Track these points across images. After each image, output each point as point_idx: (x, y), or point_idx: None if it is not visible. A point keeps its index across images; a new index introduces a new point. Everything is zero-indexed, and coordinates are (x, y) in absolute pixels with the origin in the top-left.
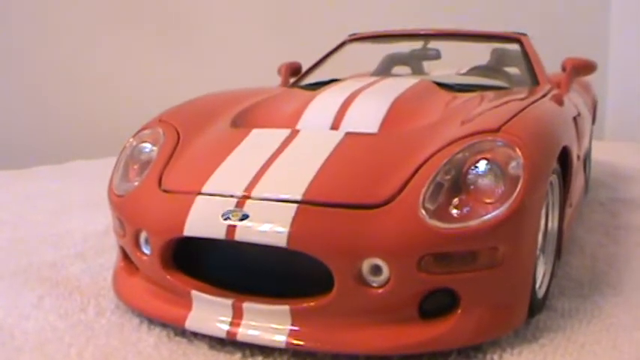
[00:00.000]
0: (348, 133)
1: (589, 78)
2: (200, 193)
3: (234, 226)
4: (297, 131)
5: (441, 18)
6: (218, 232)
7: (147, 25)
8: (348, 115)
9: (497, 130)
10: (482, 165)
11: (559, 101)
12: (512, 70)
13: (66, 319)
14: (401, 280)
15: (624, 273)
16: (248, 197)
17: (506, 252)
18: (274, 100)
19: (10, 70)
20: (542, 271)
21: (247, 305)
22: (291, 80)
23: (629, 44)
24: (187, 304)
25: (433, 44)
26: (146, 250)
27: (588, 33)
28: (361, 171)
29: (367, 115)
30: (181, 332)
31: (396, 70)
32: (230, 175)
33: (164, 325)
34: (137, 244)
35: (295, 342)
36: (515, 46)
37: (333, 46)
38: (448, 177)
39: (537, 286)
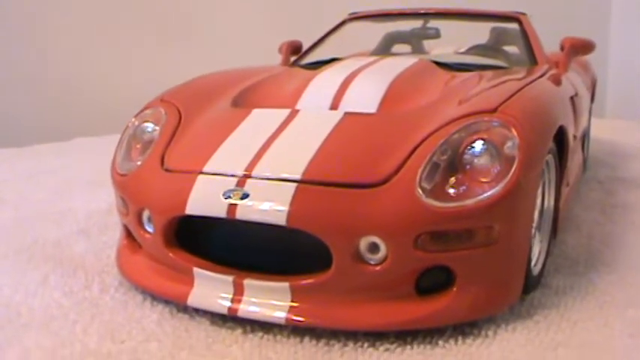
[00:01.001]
0: (346, 113)
1: (589, 57)
2: (202, 173)
3: (235, 205)
4: (297, 111)
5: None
6: (219, 210)
7: (148, 5)
8: (347, 95)
9: (494, 110)
10: (478, 145)
11: (556, 81)
12: (512, 49)
13: (71, 296)
14: (398, 257)
15: (619, 251)
16: (249, 177)
17: (501, 230)
18: (275, 80)
19: (13, 46)
20: (537, 249)
21: (248, 282)
22: (292, 59)
23: (630, 22)
24: (189, 281)
25: (433, 23)
26: (149, 229)
27: (590, 11)
28: (359, 151)
29: (366, 95)
30: (184, 309)
31: (396, 48)
32: (231, 154)
33: (167, 301)
34: (140, 222)
35: (295, 318)
36: (514, 25)
37: (334, 24)
38: (444, 157)
39: (533, 264)
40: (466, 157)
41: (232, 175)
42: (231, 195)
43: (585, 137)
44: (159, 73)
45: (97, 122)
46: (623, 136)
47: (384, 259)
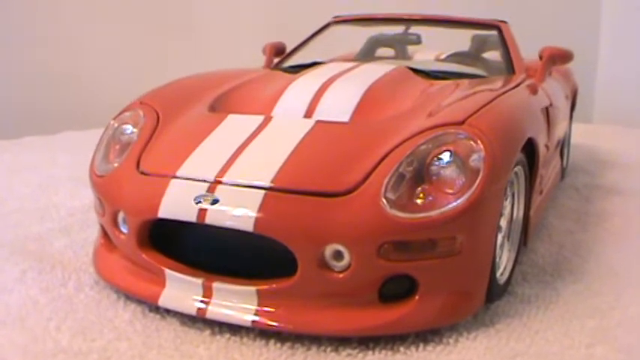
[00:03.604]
0: (318, 122)
1: (574, 64)
2: (175, 177)
3: (205, 210)
4: (271, 118)
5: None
6: (190, 215)
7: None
8: (321, 103)
9: (462, 122)
10: (445, 156)
11: (530, 92)
12: (494, 56)
13: (47, 293)
14: (361, 265)
15: (588, 260)
16: (219, 182)
17: (464, 241)
18: (253, 85)
19: (3, 37)
20: (505, 258)
21: (217, 285)
22: (275, 60)
23: (619, 29)
24: (161, 282)
25: (415, 29)
26: (124, 230)
27: (579, 17)
28: (328, 160)
29: (340, 104)
30: (155, 309)
31: (381, 52)
32: (204, 160)
33: (140, 301)
34: (115, 223)
35: (260, 321)
36: (496, 33)
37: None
38: (410, 168)
39: (500, 273)
40: (433, 168)
41: (204, 181)
42: (202, 200)
43: (565, 145)
44: (152, 67)
45: (87, 116)
46: (606, 142)
47: (348, 267)
